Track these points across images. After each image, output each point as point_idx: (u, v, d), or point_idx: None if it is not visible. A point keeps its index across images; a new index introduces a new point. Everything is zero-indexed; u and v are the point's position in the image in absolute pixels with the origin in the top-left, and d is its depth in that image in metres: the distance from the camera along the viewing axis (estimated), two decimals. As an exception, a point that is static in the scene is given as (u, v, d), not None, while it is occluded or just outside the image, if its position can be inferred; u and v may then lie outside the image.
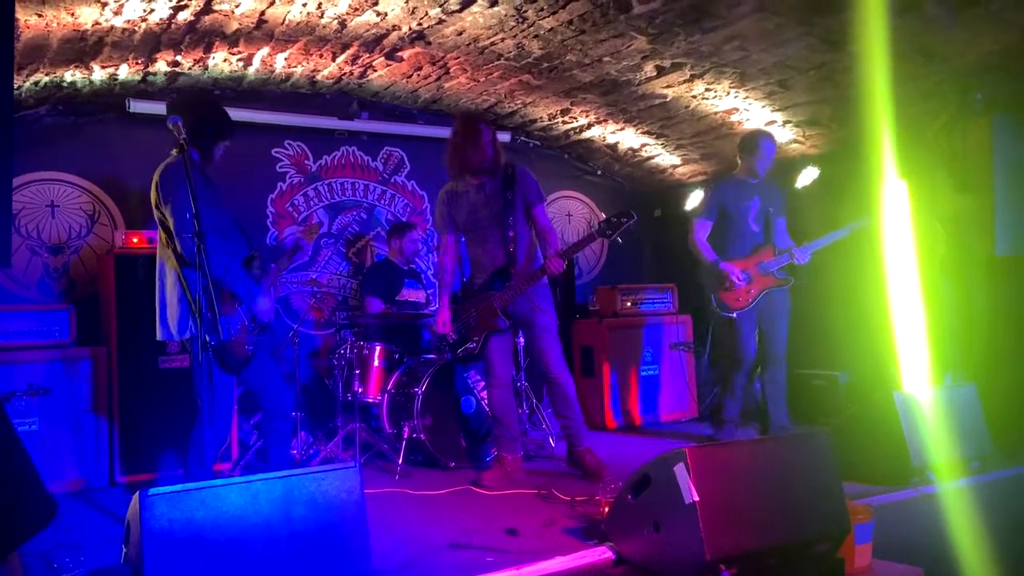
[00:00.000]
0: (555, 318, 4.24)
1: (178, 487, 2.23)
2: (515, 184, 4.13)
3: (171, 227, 3.32)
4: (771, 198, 4.78)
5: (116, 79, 4.79)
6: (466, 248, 4.37)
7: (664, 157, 6.45)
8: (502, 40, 4.63)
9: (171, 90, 5.17)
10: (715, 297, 4.66)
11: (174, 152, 3.45)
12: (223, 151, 3.67)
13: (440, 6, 4.15)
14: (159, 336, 3.46)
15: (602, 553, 2.81)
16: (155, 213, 3.41)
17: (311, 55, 4.88)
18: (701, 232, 4.73)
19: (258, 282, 3.59)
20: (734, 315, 4.62)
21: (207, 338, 3.04)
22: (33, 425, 4.21)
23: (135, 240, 4.57)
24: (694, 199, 6.39)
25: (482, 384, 4.76)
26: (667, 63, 4.81)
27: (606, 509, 2.97)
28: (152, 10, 3.91)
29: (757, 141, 4.68)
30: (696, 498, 2.43)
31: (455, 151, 4.17)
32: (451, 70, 5.19)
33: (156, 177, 3.39)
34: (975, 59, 4.29)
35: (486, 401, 4.73)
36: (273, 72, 5.14)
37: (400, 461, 4.38)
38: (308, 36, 4.55)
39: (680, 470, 2.49)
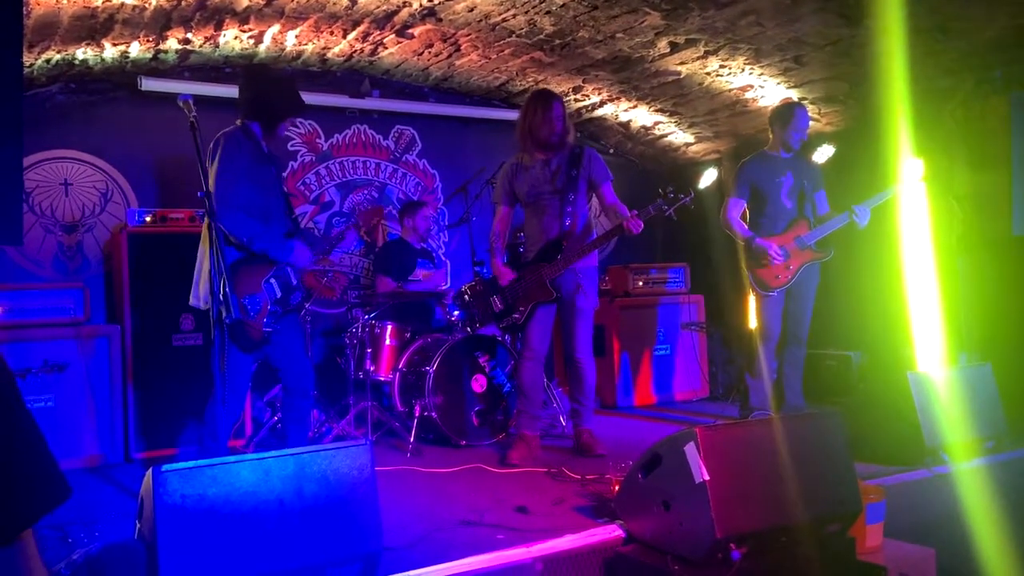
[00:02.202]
0: (595, 303, 4.26)
1: (191, 463, 2.24)
2: (581, 164, 4.16)
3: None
4: (805, 172, 4.63)
5: (128, 57, 4.78)
6: (524, 222, 4.38)
7: (677, 135, 6.40)
8: (513, 16, 4.59)
9: (183, 68, 5.17)
10: (752, 275, 4.55)
11: (237, 123, 3.54)
12: (287, 128, 3.70)
13: (451, -18, 4.12)
14: (190, 302, 3.50)
15: (612, 531, 2.82)
16: None
17: (322, 32, 4.86)
18: (735, 210, 4.64)
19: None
20: (774, 294, 4.52)
21: (222, 315, 3.07)
22: (49, 402, 4.25)
23: (148, 218, 4.58)
24: (708, 177, 6.35)
25: (493, 363, 4.77)
26: (681, 39, 4.76)
27: (616, 488, 2.97)
28: (162, -13, 3.90)
29: (791, 111, 4.54)
30: (706, 477, 2.43)
31: (525, 124, 4.20)
32: (462, 47, 5.16)
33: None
34: (994, 35, 4.22)
35: (496, 380, 4.75)
36: (284, 50, 5.12)
37: (411, 439, 4.40)
38: (319, 13, 4.53)
39: (690, 449, 2.48)
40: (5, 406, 1.76)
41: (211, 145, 3.41)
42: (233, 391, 3.50)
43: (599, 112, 6.24)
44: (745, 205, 4.67)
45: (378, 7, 4.47)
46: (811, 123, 5.51)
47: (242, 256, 3.42)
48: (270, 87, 3.60)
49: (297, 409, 3.74)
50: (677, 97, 5.69)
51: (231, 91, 4.99)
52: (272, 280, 3.49)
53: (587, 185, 4.19)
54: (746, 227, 4.60)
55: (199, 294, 3.46)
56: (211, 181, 3.33)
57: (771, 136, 4.64)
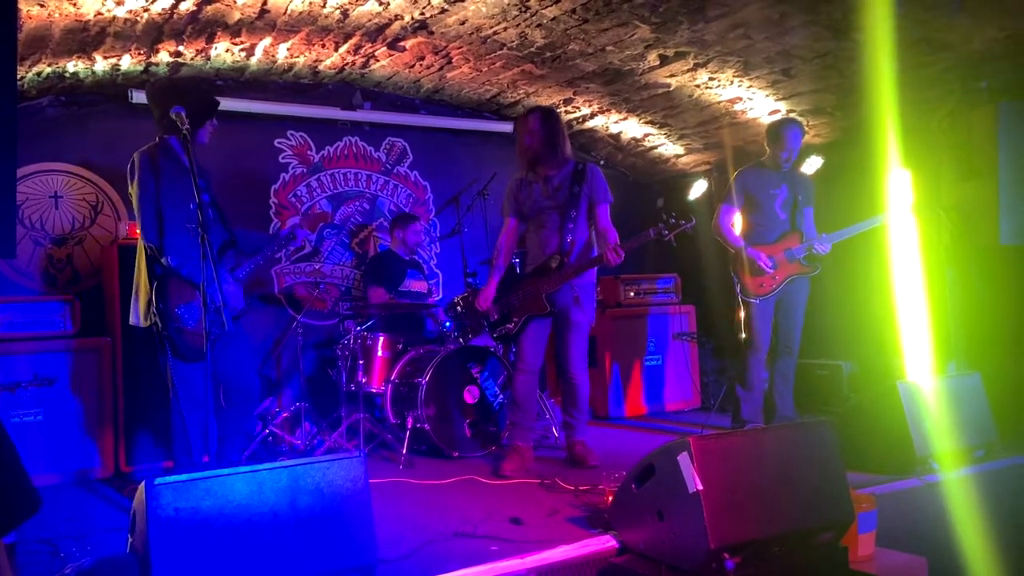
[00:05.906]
0: (591, 318, 4.26)
1: (184, 476, 2.24)
2: (584, 181, 4.18)
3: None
4: (800, 186, 4.69)
5: (119, 70, 4.78)
6: (525, 236, 4.39)
7: (667, 147, 6.44)
8: (505, 29, 4.62)
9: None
10: (737, 279, 4.63)
11: (156, 139, 3.53)
12: (211, 132, 3.58)
13: (443, -5, 4.14)
14: (130, 321, 3.50)
15: (606, 542, 2.82)
16: None
17: (313, 45, 4.87)
18: (726, 218, 4.68)
19: (232, 270, 3.61)
20: (756, 301, 4.58)
21: (159, 326, 3.08)
22: (38, 416, 4.22)
23: (139, 231, 4.56)
24: (698, 189, 6.39)
25: (485, 375, 4.77)
26: (670, 52, 4.79)
27: (610, 498, 2.98)
28: (154, 0, 3.90)
29: (780, 131, 4.57)
30: (700, 487, 2.43)
31: (517, 145, 4.29)
32: (453, 60, 5.18)
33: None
34: (980, 46, 4.27)
35: (489, 391, 4.75)
36: (275, 62, 5.13)
37: (404, 451, 4.39)
38: (310, 26, 4.54)
39: (684, 459, 2.49)
40: None
41: (128, 165, 3.43)
42: (196, 404, 3.38)
43: (590, 124, 6.27)
44: (737, 213, 4.71)
45: (370, 20, 4.49)
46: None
47: None
48: (177, 99, 3.40)
49: (234, 423, 3.62)
50: (667, 109, 5.73)
51: (224, 103, 5.00)
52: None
53: (588, 202, 4.20)
54: (737, 235, 4.64)
55: (139, 311, 3.45)
56: (134, 204, 3.39)
57: (767, 149, 4.68)
